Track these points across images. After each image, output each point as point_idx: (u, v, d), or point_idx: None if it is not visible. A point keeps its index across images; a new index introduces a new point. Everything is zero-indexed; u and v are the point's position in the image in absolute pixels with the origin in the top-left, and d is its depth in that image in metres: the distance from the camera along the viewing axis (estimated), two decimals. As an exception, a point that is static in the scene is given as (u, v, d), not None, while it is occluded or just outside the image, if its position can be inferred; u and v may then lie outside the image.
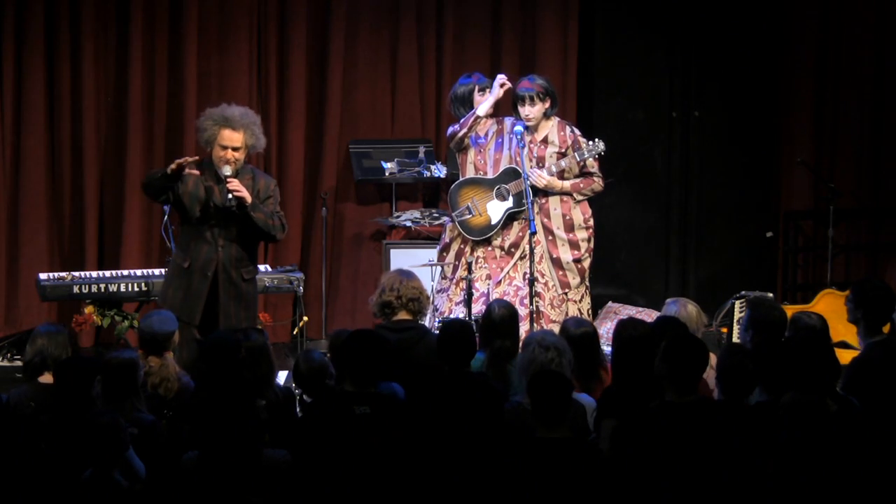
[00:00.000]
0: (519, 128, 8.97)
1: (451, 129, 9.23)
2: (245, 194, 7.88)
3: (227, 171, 7.90)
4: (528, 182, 8.79)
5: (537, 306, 8.93)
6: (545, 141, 9.06)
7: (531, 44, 11.12)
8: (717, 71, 11.24)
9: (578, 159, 8.97)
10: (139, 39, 10.39)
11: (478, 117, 9.05)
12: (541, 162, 9.01)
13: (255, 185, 8.02)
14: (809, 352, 6.20)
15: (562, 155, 9.02)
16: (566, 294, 9.08)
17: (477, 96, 9.16)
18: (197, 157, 8.02)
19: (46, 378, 6.73)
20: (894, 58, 11.38)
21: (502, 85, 9.06)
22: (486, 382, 6.40)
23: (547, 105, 9.01)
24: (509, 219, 9.06)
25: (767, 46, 11.31)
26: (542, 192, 9.01)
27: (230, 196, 7.83)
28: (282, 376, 8.35)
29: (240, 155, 7.94)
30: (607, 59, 11.16)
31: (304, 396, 6.93)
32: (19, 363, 9.88)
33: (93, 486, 5.50)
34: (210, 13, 10.57)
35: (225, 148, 7.91)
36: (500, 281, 9.04)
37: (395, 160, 10.67)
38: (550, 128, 9.08)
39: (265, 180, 8.13)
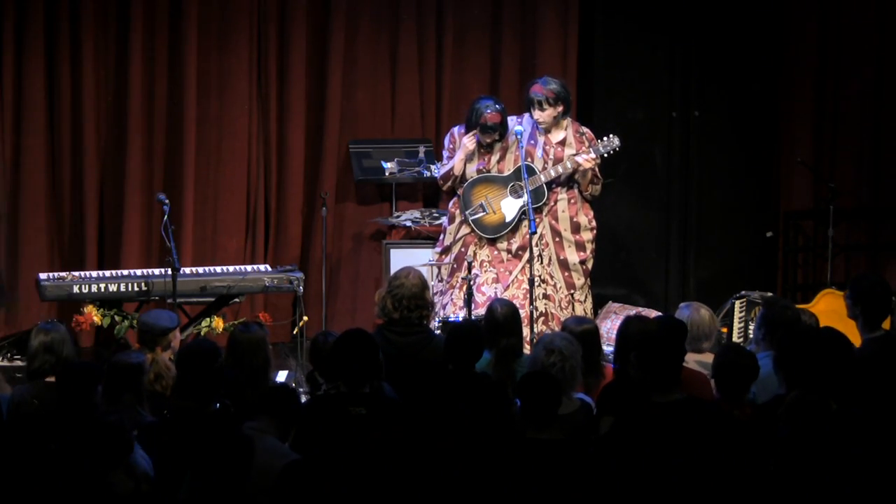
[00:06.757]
0: (519, 127, 8.97)
1: (438, 174, 9.35)
2: None
3: None
4: (530, 186, 8.80)
5: (548, 308, 8.94)
6: (562, 143, 9.08)
7: (531, 44, 11.10)
8: (717, 71, 11.22)
9: (595, 155, 8.98)
10: (139, 39, 10.38)
11: (453, 170, 9.15)
12: (558, 163, 9.03)
13: None
14: (825, 350, 6.21)
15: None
16: (572, 295, 9.09)
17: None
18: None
19: (50, 377, 6.73)
20: (894, 58, 11.38)
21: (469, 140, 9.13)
22: (495, 382, 6.42)
23: (560, 110, 9.03)
24: (524, 216, 9.05)
25: (767, 46, 11.30)
26: (555, 190, 9.05)
27: None
28: (281, 376, 8.37)
29: None
30: (607, 59, 11.15)
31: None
32: (19, 363, 9.88)
33: (96, 486, 5.50)
34: (210, 13, 10.56)
35: None
36: (509, 285, 9.03)
37: (395, 160, 10.66)
38: (566, 130, 9.10)
39: None
